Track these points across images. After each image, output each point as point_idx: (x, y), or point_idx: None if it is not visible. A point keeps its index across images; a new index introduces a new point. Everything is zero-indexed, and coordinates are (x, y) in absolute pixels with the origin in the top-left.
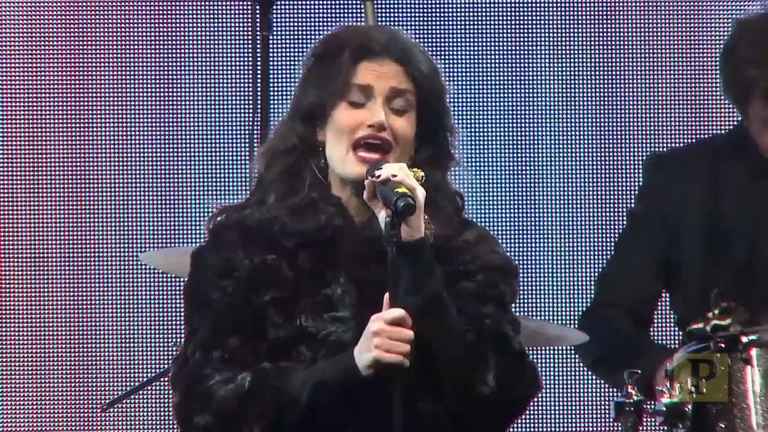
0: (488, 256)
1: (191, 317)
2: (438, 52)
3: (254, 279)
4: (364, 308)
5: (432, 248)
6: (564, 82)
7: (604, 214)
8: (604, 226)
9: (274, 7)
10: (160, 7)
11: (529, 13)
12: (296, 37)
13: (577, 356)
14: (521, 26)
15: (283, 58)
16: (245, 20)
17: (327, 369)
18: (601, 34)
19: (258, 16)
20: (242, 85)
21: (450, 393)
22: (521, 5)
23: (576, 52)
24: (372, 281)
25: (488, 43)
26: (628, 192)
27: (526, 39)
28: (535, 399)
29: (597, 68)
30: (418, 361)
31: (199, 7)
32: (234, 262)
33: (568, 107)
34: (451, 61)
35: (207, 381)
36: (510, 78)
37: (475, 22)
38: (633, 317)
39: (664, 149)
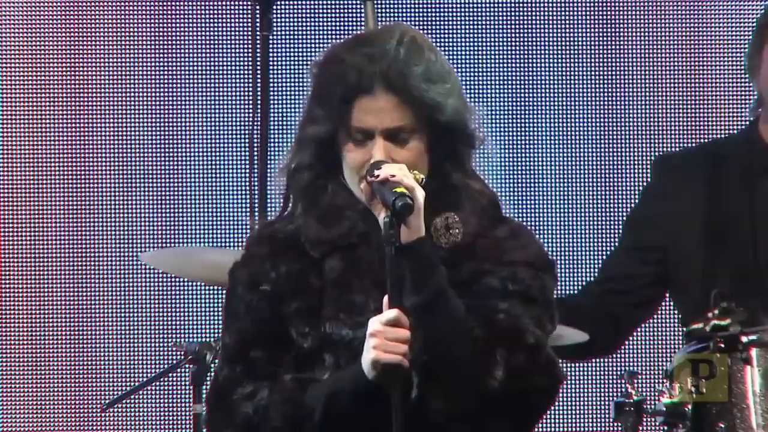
0: (516, 251)
1: (224, 333)
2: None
3: (280, 290)
4: None
5: (455, 247)
6: (564, 82)
7: (604, 214)
8: (604, 227)
9: (274, 7)
10: (160, 7)
11: (529, 13)
12: (296, 37)
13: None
14: (521, 26)
15: (283, 58)
16: (245, 20)
17: (338, 378)
18: (601, 34)
19: (258, 16)
20: (242, 85)
21: (458, 390)
22: (521, 5)
23: (576, 52)
24: None
25: (488, 43)
26: (629, 192)
27: (526, 39)
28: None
29: (597, 68)
30: (426, 361)
31: (199, 7)
32: (260, 275)
33: (568, 108)
34: (451, 61)
35: (230, 396)
36: (510, 78)
37: (475, 22)
38: (613, 291)
39: (671, 150)
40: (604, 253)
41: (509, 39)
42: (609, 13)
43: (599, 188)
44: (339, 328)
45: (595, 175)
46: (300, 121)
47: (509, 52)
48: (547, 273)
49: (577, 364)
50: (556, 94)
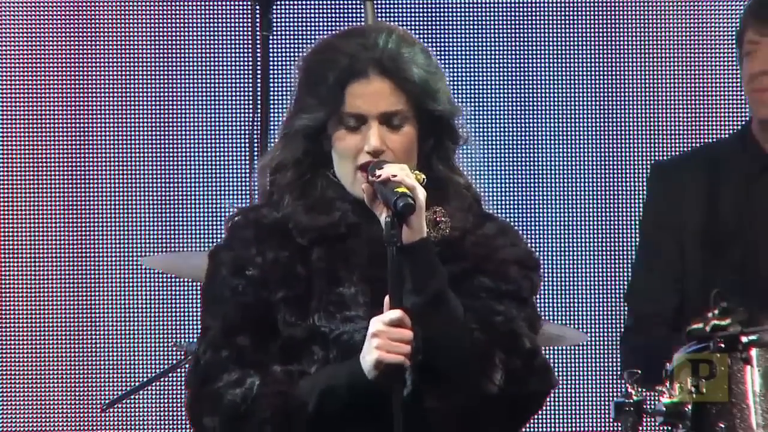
0: (506, 250)
1: (205, 316)
2: (438, 52)
3: (266, 277)
4: (378, 307)
5: (446, 244)
6: (564, 82)
7: (604, 214)
8: (604, 226)
9: (274, 7)
10: (160, 7)
11: (529, 13)
12: (296, 37)
13: (576, 356)
14: (521, 26)
15: (283, 58)
16: (245, 20)
17: (334, 374)
18: (601, 34)
19: (258, 16)
20: (242, 85)
21: (457, 393)
22: (521, 5)
23: (576, 52)
24: (386, 279)
25: (488, 43)
26: (628, 192)
27: (526, 39)
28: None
29: (598, 69)
30: (423, 360)
31: (199, 7)
32: (246, 259)
33: (568, 108)
34: (451, 61)
35: (216, 382)
36: (510, 78)
37: (475, 22)
38: (673, 328)
39: (665, 157)
40: (603, 251)
41: (509, 39)
42: (609, 13)
43: (599, 188)
44: (328, 321)
45: (594, 175)
46: (286, 116)
47: (509, 52)
48: (535, 272)
49: (577, 364)
50: (556, 94)
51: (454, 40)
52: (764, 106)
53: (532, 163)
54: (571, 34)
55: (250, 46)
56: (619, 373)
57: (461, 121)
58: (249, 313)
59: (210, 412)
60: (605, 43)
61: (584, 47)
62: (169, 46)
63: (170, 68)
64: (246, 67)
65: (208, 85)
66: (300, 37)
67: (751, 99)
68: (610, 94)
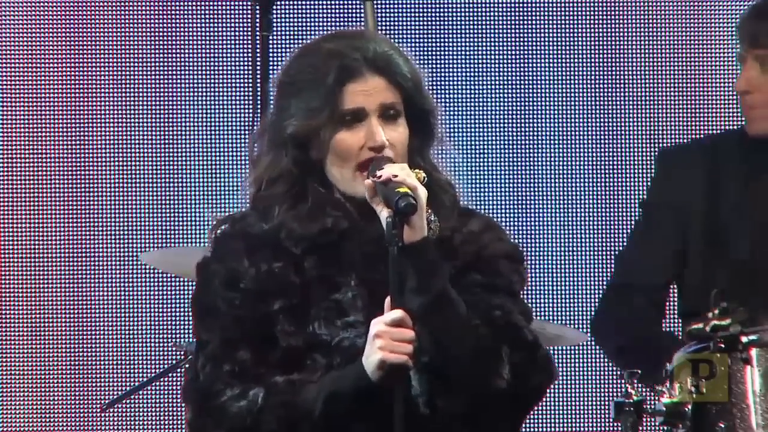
0: (495, 245)
1: (200, 329)
2: (439, 53)
3: (261, 288)
4: (376, 310)
5: (438, 243)
6: (564, 81)
7: (604, 213)
8: (604, 226)
9: (274, 7)
10: (160, 7)
11: (529, 13)
12: (296, 37)
13: (576, 356)
14: (521, 26)
15: (283, 58)
16: (245, 20)
17: (338, 379)
18: (601, 34)
19: (258, 16)
20: (242, 85)
21: (467, 390)
22: (521, 5)
23: (576, 52)
24: (382, 281)
25: (488, 43)
26: (628, 191)
27: (526, 39)
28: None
29: (597, 68)
30: (429, 360)
31: (199, 7)
32: (239, 272)
33: (568, 107)
34: (451, 61)
35: (219, 397)
36: (510, 78)
37: (475, 23)
38: (652, 302)
39: (671, 145)
40: (603, 251)
41: (509, 39)
42: (609, 13)
43: (599, 188)
44: (328, 328)
45: (595, 175)
46: (269, 123)
47: (509, 52)
48: (522, 265)
49: (577, 364)
50: (555, 93)
51: (455, 40)
52: (749, 123)
53: (532, 163)
54: (571, 34)
55: (250, 46)
56: (608, 361)
57: (438, 120)
58: (247, 327)
59: (215, 427)
60: (605, 43)
61: (584, 47)
62: (170, 46)
63: (170, 68)
64: (246, 67)
65: (208, 85)
66: (300, 37)
67: (743, 113)
68: (609, 93)
